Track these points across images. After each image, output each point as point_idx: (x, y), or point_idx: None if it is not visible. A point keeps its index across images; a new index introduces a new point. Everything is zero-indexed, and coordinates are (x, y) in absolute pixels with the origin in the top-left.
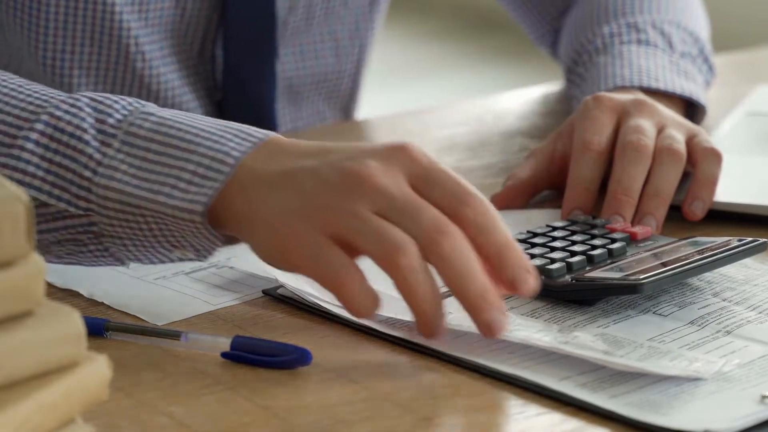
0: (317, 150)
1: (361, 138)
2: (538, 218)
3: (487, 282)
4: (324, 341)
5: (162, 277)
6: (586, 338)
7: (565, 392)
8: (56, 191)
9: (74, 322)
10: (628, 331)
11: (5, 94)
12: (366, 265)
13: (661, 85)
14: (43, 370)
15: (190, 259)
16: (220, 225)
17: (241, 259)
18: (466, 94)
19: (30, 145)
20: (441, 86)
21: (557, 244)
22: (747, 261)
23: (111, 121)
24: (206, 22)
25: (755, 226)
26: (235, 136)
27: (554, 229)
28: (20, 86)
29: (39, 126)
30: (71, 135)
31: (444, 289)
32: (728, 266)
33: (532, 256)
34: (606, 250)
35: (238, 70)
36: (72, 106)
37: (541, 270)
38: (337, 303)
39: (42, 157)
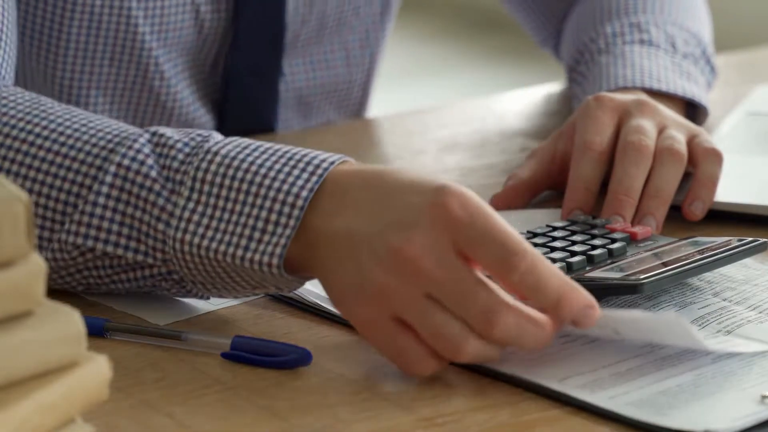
0: (371, 203)
1: (363, 138)
2: (538, 218)
3: (543, 334)
4: (324, 341)
5: None
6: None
7: (565, 392)
8: (132, 244)
9: (74, 322)
10: None
11: (69, 146)
12: None
13: (663, 86)
14: (43, 370)
15: (273, 294)
16: (296, 270)
17: None
18: (467, 94)
19: (102, 200)
20: (442, 86)
21: (557, 244)
22: (747, 261)
23: (175, 165)
24: (221, 38)
25: (755, 226)
26: (302, 171)
27: (554, 229)
28: (83, 126)
29: (108, 179)
30: (141, 186)
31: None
32: (728, 266)
33: None
34: (606, 250)
35: (240, 83)
36: (137, 152)
37: None
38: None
39: (114, 210)
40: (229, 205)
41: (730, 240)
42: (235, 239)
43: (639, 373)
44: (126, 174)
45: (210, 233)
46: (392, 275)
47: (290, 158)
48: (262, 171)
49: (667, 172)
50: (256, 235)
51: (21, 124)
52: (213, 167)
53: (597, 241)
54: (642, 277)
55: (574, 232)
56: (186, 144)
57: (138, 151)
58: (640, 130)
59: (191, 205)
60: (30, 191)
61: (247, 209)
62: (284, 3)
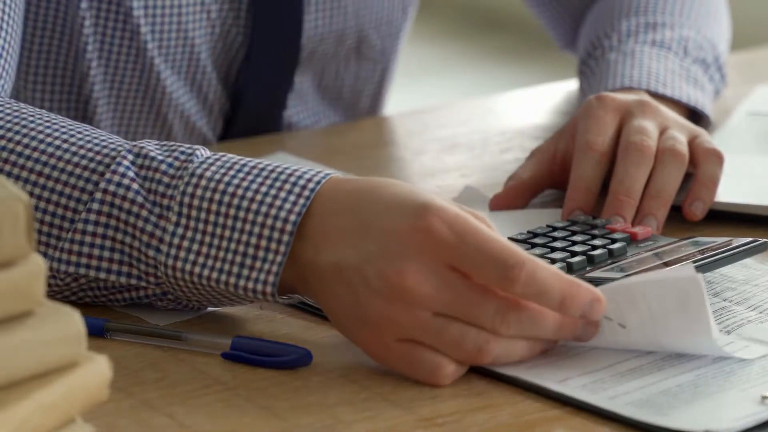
0: (355, 230)
1: (364, 138)
2: (538, 218)
3: (556, 322)
4: (324, 341)
5: None
6: None
7: (565, 393)
8: (125, 269)
9: (74, 322)
10: None
11: (52, 166)
12: None
13: (668, 91)
14: (43, 370)
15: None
16: (291, 292)
17: None
18: (467, 94)
19: (90, 227)
20: (442, 86)
21: (558, 244)
22: (747, 261)
23: (161, 189)
24: (236, 51)
25: (755, 226)
26: (288, 193)
27: (555, 229)
28: (64, 143)
29: (95, 206)
30: (128, 212)
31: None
32: (728, 266)
33: None
34: (606, 250)
35: (252, 97)
36: (122, 176)
37: None
38: None
39: (104, 237)
40: (218, 231)
41: (731, 240)
42: (226, 266)
43: (639, 373)
44: (113, 200)
45: (201, 260)
46: (394, 305)
47: (276, 178)
48: (249, 194)
49: (668, 172)
50: (248, 261)
51: (2, 143)
52: (199, 191)
53: (597, 242)
54: (643, 268)
55: (574, 233)
56: (170, 165)
57: (123, 175)
58: (642, 130)
59: (180, 230)
60: None
61: (236, 235)
62: (302, 20)
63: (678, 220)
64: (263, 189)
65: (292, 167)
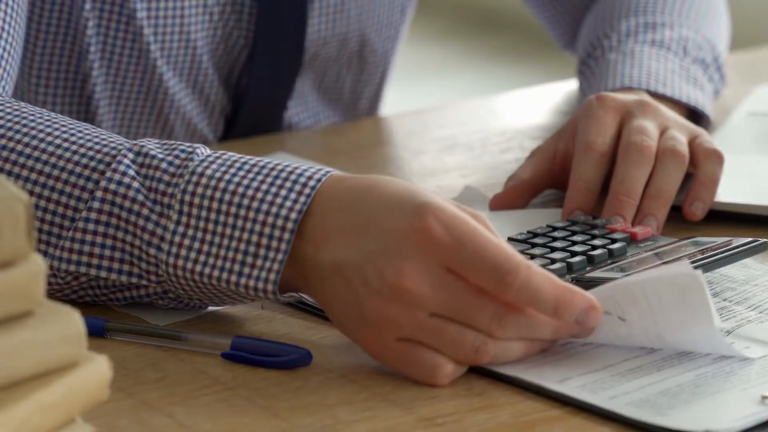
0: (354, 228)
1: (363, 138)
2: (538, 218)
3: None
4: (324, 341)
5: None
6: None
7: (565, 393)
8: (126, 267)
9: (74, 322)
10: None
11: (52, 165)
12: None
13: (668, 91)
14: (43, 371)
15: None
16: (292, 290)
17: None
18: (467, 94)
19: (91, 226)
20: (442, 86)
21: (557, 244)
22: (747, 261)
23: (161, 187)
24: (238, 53)
25: (755, 226)
26: (289, 191)
27: (555, 229)
28: (65, 142)
29: (96, 204)
30: (129, 210)
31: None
32: (728, 266)
33: (532, 257)
34: (606, 250)
35: (254, 99)
36: (123, 174)
37: None
38: None
39: (105, 235)
40: (219, 229)
41: (731, 240)
42: (228, 264)
43: (639, 373)
44: (113, 199)
45: (202, 258)
46: (392, 305)
47: (277, 176)
48: (249, 192)
49: (669, 173)
50: (249, 260)
51: (2, 141)
52: (200, 190)
53: (597, 242)
54: (643, 268)
55: (574, 233)
56: (171, 163)
57: (123, 174)
58: (642, 130)
59: (181, 229)
60: None
61: (237, 233)
62: (306, 24)
63: (678, 220)
64: (264, 187)
65: (292, 165)
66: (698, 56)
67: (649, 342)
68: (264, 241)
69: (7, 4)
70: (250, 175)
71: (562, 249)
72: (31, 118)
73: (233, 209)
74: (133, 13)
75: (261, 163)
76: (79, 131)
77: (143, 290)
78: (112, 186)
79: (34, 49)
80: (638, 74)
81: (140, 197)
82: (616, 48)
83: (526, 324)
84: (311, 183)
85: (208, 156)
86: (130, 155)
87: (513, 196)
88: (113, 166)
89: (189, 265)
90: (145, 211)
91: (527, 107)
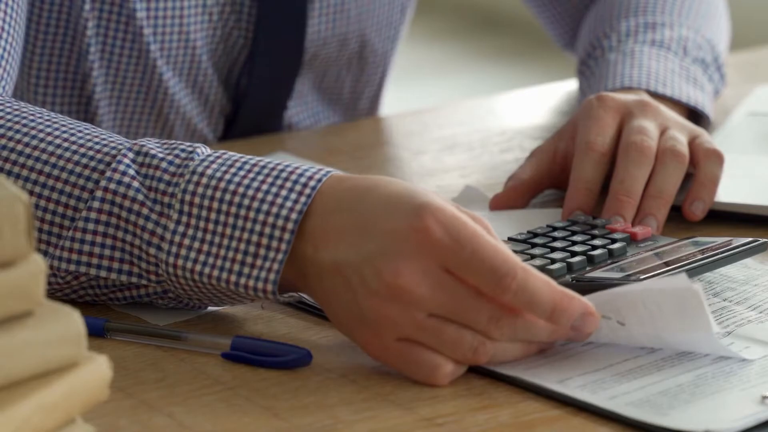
0: (354, 229)
1: (363, 138)
2: (538, 218)
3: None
4: (324, 341)
5: None
6: None
7: (565, 393)
8: (125, 267)
9: (74, 322)
10: None
11: (52, 165)
12: None
13: (668, 91)
14: (43, 371)
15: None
16: (291, 290)
17: None
18: (467, 94)
19: (91, 225)
20: (442, 86)
21: (557, 244)
22: (747, 261)
23: (162, 187)
24: (238, 54)
25: (755, 226)
26: (290, 191)
27: (555, 229)
28: (65, 142)
29: (95, 204)
30: (129, 210)
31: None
32: (728, 266)
33: (532, 256)
34: (606, 250)
35: (254, 99)
36: (123, 174)
37: (542, 270)
38: None
39: (104, 235)
40: (219, 229)
41: (731, 240)
42: (227, 264)
43: (639, 373)
44: (113, 199)
45: (202, 257)
46: (390, 305)
47: (277, 176)
48: (250, 193)
49: (669, 173)
50: (249, 260)
51: (3, 141)
52: (200, 189)
53: (597, 242)
54: (642, 277)
55: (574, 233)
56: (171, 163)
57: (123, 173)
58: (643, 130)
59: (181, 228)
60: None
61: (237, 233)
62: (306, 25)
63: (678, 220)
64: (264, 187)
65: (293, 165)
66: (698, 56)
67: (649, 343)
68: (264, 241)
69: (6, 4)
70: (251, 175)
71: (562, 249)
72: (31, 118)
73: (233, 209)
74: (132, 13)
75: (261, 163)
76: (79, 131)
77: (143, 290)
78: (112, 186)
79: (34, 49)
80: (638, 74)
81: (140, 197)
82: (616, 48)
83: (523, 326)
84: (311, 183)
85: (209, 156)
86: (130, 155)
87: (513, 196)
88: (113, 165)
89: (189, 264)
90: (145, 211)
91: (527, 107)
